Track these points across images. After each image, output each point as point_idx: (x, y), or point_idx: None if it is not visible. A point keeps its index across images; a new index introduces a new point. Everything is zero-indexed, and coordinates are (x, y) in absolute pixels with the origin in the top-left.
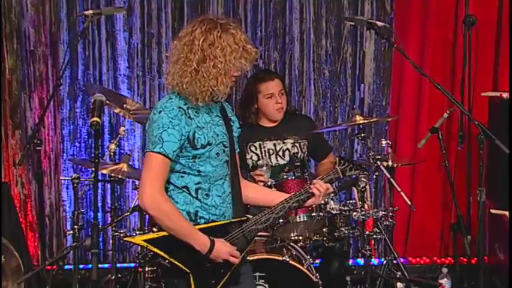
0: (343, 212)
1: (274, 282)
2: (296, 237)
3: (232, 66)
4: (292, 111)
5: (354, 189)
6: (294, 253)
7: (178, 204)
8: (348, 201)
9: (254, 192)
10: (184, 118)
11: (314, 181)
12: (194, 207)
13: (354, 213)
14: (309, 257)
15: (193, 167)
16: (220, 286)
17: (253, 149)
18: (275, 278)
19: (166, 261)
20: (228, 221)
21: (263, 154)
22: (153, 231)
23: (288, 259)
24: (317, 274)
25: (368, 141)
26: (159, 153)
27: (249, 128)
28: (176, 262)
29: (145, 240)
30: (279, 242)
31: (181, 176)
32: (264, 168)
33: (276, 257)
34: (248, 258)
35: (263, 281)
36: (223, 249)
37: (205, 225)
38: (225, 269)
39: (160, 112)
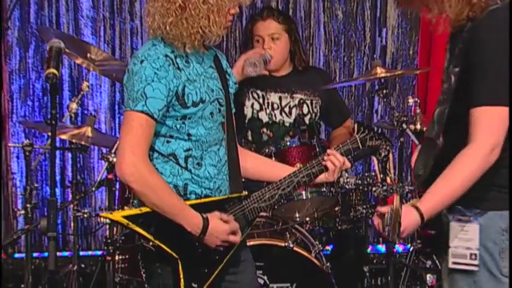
0: (360, 187)
1: (274, 273)
2: (302, 219)
3: (227, 0)
4: (304, 64)
5: (374, 158)
6: (299, 238)
7: (164, 176)
8: (366, 174)
9: (255, 164)
10: (172, 69)
11: (328, 151)
12: (183, 179)
13: (374, 189)
14: (317, 242)
15: (182, 129)
16: (215, 276)
17: (255, 96)
18: (276, 268)
19: (150, 243)
20: (224, 197)
21: (266, 106)
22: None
23: (291, 245)
24: (327, 263)
25: (391, 99)
26: (142, 112)
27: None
28: (162, 245)
29: (125, 217)
30: (280, 224)
31: (168, 141)
32: (249, 69)
33: (277, 243)
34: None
35: (261, 272)
36: (220, 227)
37: (197, 201)
38: (221, 254)
39: (142, 62)
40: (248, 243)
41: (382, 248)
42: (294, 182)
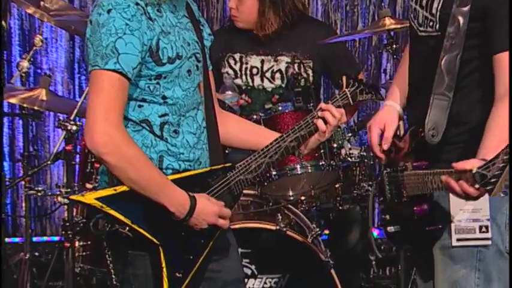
0: (366, 160)
1: (264, 262)
2: (296, 197)
3: None
4: (297, 12)
5: None
6: (293, 220)
7: None
8: None
9: (237, 128)
10: (145, 19)
11: (323, 105)
12: (157, 151)
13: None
14: (314, 225)
15: (156, 91)
16: (200, 262)
17: (231, 62)
18: (265, 256)
19: (127, 228)
20: (207, 169)
21: (243, 72)
22: (88, 188)
23: (284, 229)
24: (327, 250)
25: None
26: (113, 71)
27: (228, 33)
28: (141, 230)
29: (99, 199)
30: (271, 204)
31: (140, 106)
32: (228, 93)
33: (267, 226)
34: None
35: (248, 260)
36: (210, 208)
37: (176, 176)
38: (206, 238)
39: (110, 11)
40: (232, 227)
41: None
42: (281, 148)
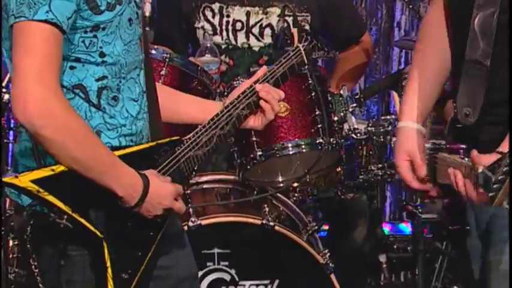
0: (374, 138)
1: (246, 266)
2: (287, 184)
3: None
4: None
5: (394, 94)
6: (283, 213)
7: None
8: (383, 118)
9: (169, 98)
10: None
11: (259, 71)
12: (94, 124)
13: (394, 140)
14: (310, 219)
15: (92, 47)
16: (149, 258)
17: (208, 14)
18: (248, 259)
19: (65, 217)
20: (152, 144)
21: (223, 27)
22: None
23: (271, 223)
24: (325, 251)
25: (420, 5)
26: (45, 21)
27: None
28: (82, 220)
29: (35, 182)
30: (255, 192)
31: (72, 67)
32: (207, 56)
33: (250, 220)
34: (197, 221)
35: (227, 263)
36: (165, 189)
37: (120, 152)
38: (156, 229)
39: None
40: (206, 221)
41: (406, 227)
42: (233, 117)
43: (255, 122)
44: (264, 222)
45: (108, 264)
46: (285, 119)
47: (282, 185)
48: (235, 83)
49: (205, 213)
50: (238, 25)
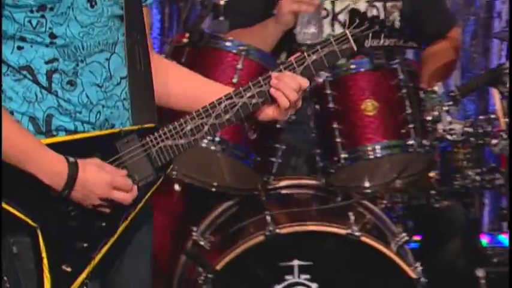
0: (472, 140)
1: (330, 279)
2: (375, 190)
3: None
4: None
5: (494, 91)
6: (371, 221)
7: (13, 103)
8: (482, 118)
9: (181, 80)
10: None
11: (274, 74)
12: (44, 107)
13: (494, 142)
14: (400, 229)
15: (40, 28)
16: (102, 254)
17: None
18: (332, 271)
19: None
20: (114, 131)
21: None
22: None
23: (357, 233)
24: (417, 264)
25: None
26: None
27: None
28: (10, 208)
29: None
30: (339, 199)
31: (19, 47)
32: (311, 29)
33: (334, 230)
34: (275, 230)
35: (308, 276)
36: (98, 177)
37: (66, 138)
38: (110, 220)
39: None
40: (285, 230)
41: (507, 238)
42: (236, 105)
43: (274, 112)
44: (349, 231)
45: (44, 254)
46: (372, 118)
47: (369, 191)
48: (317, 78)
49: (283, 222)
50: (323, 13)
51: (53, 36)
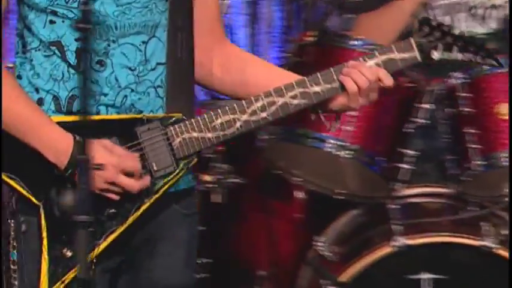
0: None
1: None
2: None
3: None
4: None
5: None
6: (506, 233)
7: (40, 80)
8: None
9: (258, 72)
10: None
11: (351, 62)
12: (70, 87)
13: None
14: None
15: (73, 3)
16: (110, 241)
17: None
18: (463, 285)
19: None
20: (136, 116)
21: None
22: None
23: (492, 245)
24: None
25: None
26: None
27: None
28: (13, 183)
29: None
30: (472, 208)
31: (51, 22)
32: None
33: (467, 241)
34: (403, 241)
35: None
36: (104, 159)
37: (73, 118)
38: (120, 207)
39: None
40: (414, 241)
41: None
42: (275, 103)
43: (344, 99)
44: (482, 243)
45: (44, 234)
46: (507, 122)
47: (506, 199)
48: (450, 80)
49: (412, 232)
50: (458, 7)
51: None
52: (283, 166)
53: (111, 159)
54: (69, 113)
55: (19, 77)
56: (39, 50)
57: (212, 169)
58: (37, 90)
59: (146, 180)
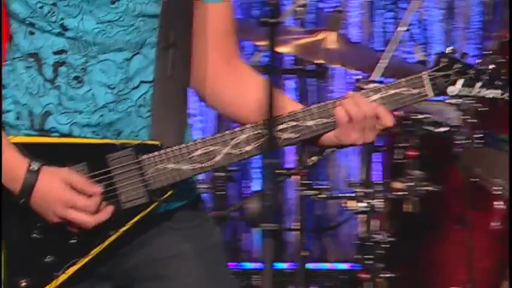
0: None
1: None
2: None
3: None
4: None
5: None
6: None
7: (18, 92)
8: None
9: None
10: None
11: (350, 93)
12: (45, 102)
13: None
14: None
15: (51, 17)
16: (68, 275)
17: None
18: None
19: None
20: (110, 141)
21: None
22: (396, 189)
23: None
24: None
25: None
26: None
27: None
28: None
29: None
30: None
31: (31, 33)
32: None
33: None
34: None
35: None
36: (54, 193)
37: (51, 140)
38: (86, 239)
39: None
40: None
41: None
42: (263, 136)
43: (334, 135)
44: None
45: (2, 261)
46: None
47: None
48: None
49: None
50: None
51: (64, 27)
52: (481, 173)
53: (62, 194)
54: (41, 131)
55: (4, 86)
56: (21, 60)
57: (403, 176)
58: (16, 102)
59: (105, 214)
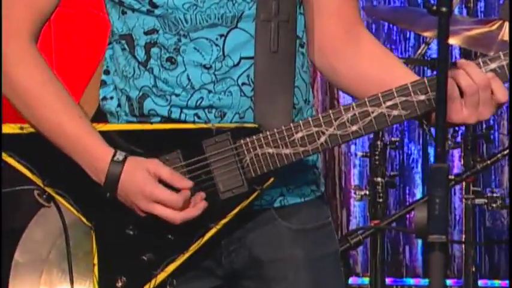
0: None
1: None
2: None
3: None
4: None
5: None
6: None
7: (116, 77)
8: None
9: (375, 64)
10: None
11: (461, 61)
12: (140, 84)
13: None
14: None
15: None
16: (170, 272)
17: None
18: None
19: (36, 193)
20: (205, 126)
21: None
22: None
23: None
24: None
25: None
26: None
27: None
28: (59, 198)
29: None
30: None
31: (123, 12)
32: None
33: None
34: None
35: None
36: (135, 185)
37: (144, 127)
38: (184, 234)
39: None
40: None
41: None
42: (369, 115)
43: (458, 113)
44: None
45: (96, 260)
46: None
47: None
48: None
49: None
50: None
51: (153, 4)
52: None
53: (144, 187)
54: (141, 116)
55: (106, 72)
56: (117, 42)
57: None
58: (116, 89)
59: (196, 210)
